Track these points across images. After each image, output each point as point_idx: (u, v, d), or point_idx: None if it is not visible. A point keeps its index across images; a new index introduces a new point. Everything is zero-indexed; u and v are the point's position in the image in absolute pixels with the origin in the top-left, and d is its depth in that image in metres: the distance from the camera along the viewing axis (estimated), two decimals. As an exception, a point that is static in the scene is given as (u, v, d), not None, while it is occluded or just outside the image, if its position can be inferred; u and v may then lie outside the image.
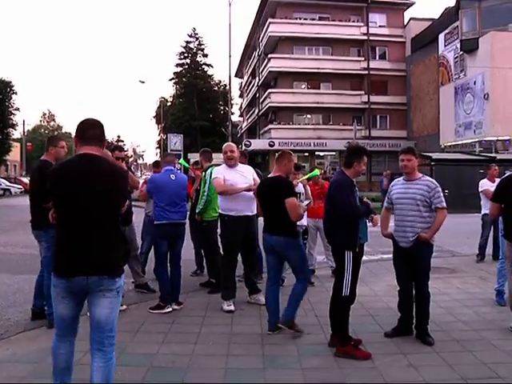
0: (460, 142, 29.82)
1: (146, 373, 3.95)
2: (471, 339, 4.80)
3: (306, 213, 7.14)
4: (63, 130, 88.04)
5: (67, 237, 3.03)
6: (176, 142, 29.81)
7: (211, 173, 6.37)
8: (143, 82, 48.46)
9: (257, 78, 44.77)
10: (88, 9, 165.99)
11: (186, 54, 53.39)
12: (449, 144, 30.87)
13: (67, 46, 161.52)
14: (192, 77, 51.58)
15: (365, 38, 38.20)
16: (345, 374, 4.00)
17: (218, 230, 6.52)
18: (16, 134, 52.70)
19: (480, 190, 9.07)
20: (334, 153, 38.00)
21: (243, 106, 58.25)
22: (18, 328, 5.15)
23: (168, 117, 53.86)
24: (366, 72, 38.13)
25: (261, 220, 6.22)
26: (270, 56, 38.45)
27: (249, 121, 51.61)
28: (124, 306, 5.59)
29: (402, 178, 5.07)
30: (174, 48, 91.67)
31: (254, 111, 47.55)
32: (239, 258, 6.23)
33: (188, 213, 7.48)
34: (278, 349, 4.56)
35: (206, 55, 53.63)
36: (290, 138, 36.64)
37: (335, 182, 4.64)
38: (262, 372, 4.03)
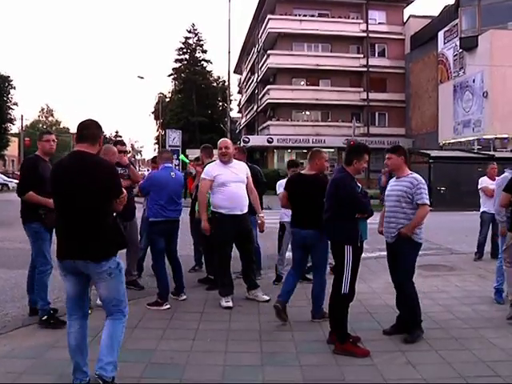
0: (459, 140, 29.83)
1: (144, 369, 3.93)
2: (470, 337, 4.80)
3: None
4: (61, 125, 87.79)
5: (60, 224, 3.48)
6: (174, 137, 29.74)
7: None
8: (142, 78, 48.41)
9: (256, 75, 44.69)
10: (87, 4, 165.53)
11: (184, 50, 53.30)
12: (447, 142, 30.87)
13: (66, 41, 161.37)
14: (191, 73, 51.47)
15: (364, 35, 38.15)
16: (343, 371, 3.99)
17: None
18: (14, 128, 52.66)
19: (479, 187, 9.06)
20: (332, 150, 37.90)
21: (242, 102, 58.17)
22: (15, 323, 5.12)
23: (167, 113, 53.77)
24: (365, 69, 38.10)
25: (262, 219, 6.28)
26: (269, 52, 38.37)
27: (247, 117, 51.56)
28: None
29: None
30: (173, 44, 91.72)
31: (252, 107, 47.48)
32: (238, 255, 6.22)
33: (189, 209, 7.48)
34: (277, 346, 4.55)
35: (205, 51, 53.57)
36: (289, 135, 36.65)
37: (337, 179, 4.66)
38: (261, 369, 4.01)
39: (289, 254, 7.30)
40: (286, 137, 36.49)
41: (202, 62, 53.36)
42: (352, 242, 4.45)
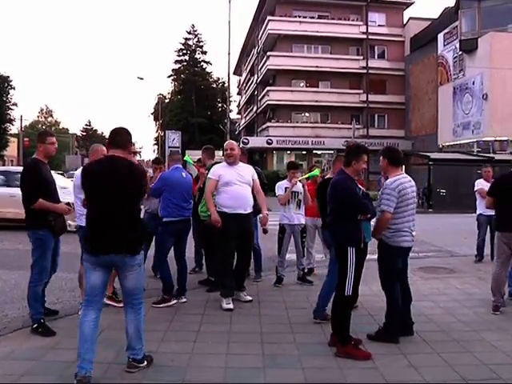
0: (458, 142, 29.82)
1: (145, 371, 3.92)
2: (471, 340, 4.80)
3: (304, 212, 7.16)
4: (60, 126, 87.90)
5: (94, 223, 3.81)
6: (174, 138, 29.81)
7: None
8: (142, 79, 48.27)
9: (255, 76, 44.68)
10: (87, 4, 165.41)
11: (184, 51, 53.35)
12: (447, 144, 30.88)
13: (65, 42, 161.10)
14: (190, 74, 51.51)
15: (364, 36, 38.12)
16: (345, 373, 3.98)
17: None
18: (13, 129, 52.68)
19: (475, 189, 9.09)
20: (331, 151, 37.89)
21: (241, 104, 58.16)
22: (15, 325, 5.10)
23: (166, 114, 53.81)
24: (365, 71, 38.05)
25: (265, 216, 6.30)
26: (268, 54, 38.35)
27: (247, 118, 51.53)
28: (121, 304, 5.55)
29: None
30: (172, 45, 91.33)
31: (252, 109, 47.45)
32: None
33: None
34: (278, 348, 4.53)
35: (204, 52, 53.63)
36: (288, 136, 36.63)
37: (336, 181, 4.67)
38: (262, 371, 4.00)
39: (289, 256, 7.31)
40: (286, 138, 36.47)
41: (202, 63, 53.42)
42: (355, 243, 4.45)
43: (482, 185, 8.88)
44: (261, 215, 6.31)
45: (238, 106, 62.15)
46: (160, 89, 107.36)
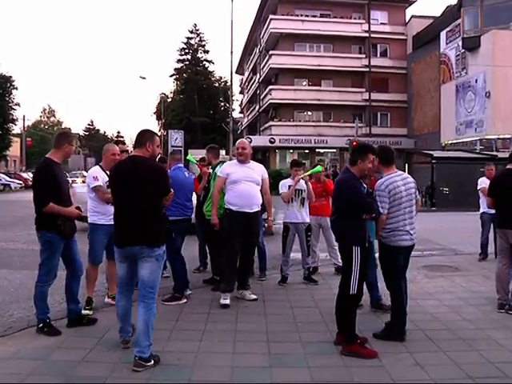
0: (461, 141, 29.77)
1: (152, 370, 3.92)
2: (477, 338, 4.78)
3: (308, 210, 7.15)
4: (63, 126, 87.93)
5: (120, 217, 4.18)
6: (177, 138, 29.86)
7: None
8: (144, 78, 48.25)
9: (258, 75, 44.68)
10: (89, 4, 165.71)
11: (186, 50, 53.36)
12: (449, 142, 30.81)
13: (68, 42, 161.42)
14: (193, 73, 51.52)
15: (366, 35, 38.08)
16: (351, 372, 3.97)
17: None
18: (16, 129, 52.80)
19: (478, 187, 9.09)
20: (334, 150, 38.00)
21: (244, 103, 58.16)
22: (21, 324, 5.10)
23: (168, 113, 53.81)
24: (367, 69, 38.04)
25: (270, 223, 6.32)
26: (271, 52, 38.34)
27: (249, 117, 51.52)
28: None
29: None
30: (175, 44, 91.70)
31: (254, 108, 47.45)
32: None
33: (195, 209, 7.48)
34: (284, 347, 4.52)
35: (206, 51, 53.62)
36: (291, 135, 36.64)
37: (341, 180, 4.68)
38: (269, 370, 4.00)
39: (293, 255, 7.30)
40: (288, 137, 36.48)
41: (204, 63, 53.42)
42: (359, 242, 4.44)
43: (485, 183, 8.85)
44: (265, 215, 6.34)
45: (241, 105, 62.16)
46: (162, 88, 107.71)
